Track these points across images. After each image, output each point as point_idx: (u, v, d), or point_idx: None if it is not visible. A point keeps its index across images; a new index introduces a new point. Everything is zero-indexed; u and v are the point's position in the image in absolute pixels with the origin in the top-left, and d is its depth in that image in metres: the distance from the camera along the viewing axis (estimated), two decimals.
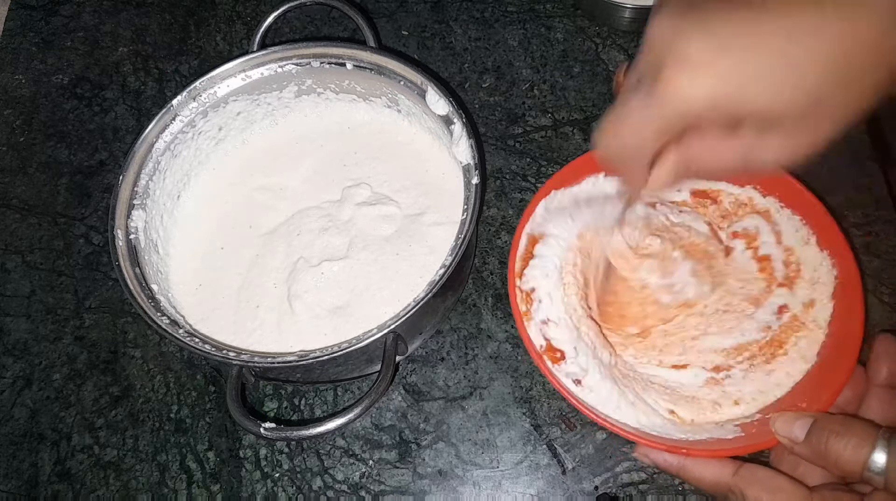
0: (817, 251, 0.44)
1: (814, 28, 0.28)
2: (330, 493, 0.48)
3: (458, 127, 0.47)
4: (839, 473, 0.36)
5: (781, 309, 0.45)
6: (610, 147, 0.35)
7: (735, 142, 0.32)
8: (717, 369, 0.44)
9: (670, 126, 0.31)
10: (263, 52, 0.51)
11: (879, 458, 0.33)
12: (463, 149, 0.47)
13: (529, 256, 0.45)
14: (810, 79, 0.29)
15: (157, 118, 0.49)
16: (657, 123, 0.31)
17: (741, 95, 0.29)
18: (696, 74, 0.29)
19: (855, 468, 0.34)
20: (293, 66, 0.52)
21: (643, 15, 0.58)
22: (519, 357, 0.51)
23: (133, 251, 0.46)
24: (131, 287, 0.44)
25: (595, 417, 0.39)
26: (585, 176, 0.47)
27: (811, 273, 0.45)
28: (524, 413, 0.49)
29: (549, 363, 0.41)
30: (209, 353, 0.42)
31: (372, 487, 0.48)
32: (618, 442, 0.48)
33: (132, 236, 0.47)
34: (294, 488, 0.48)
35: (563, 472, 0.47)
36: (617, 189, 0.46)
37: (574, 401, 0.39)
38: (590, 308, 0.45)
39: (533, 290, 0.43)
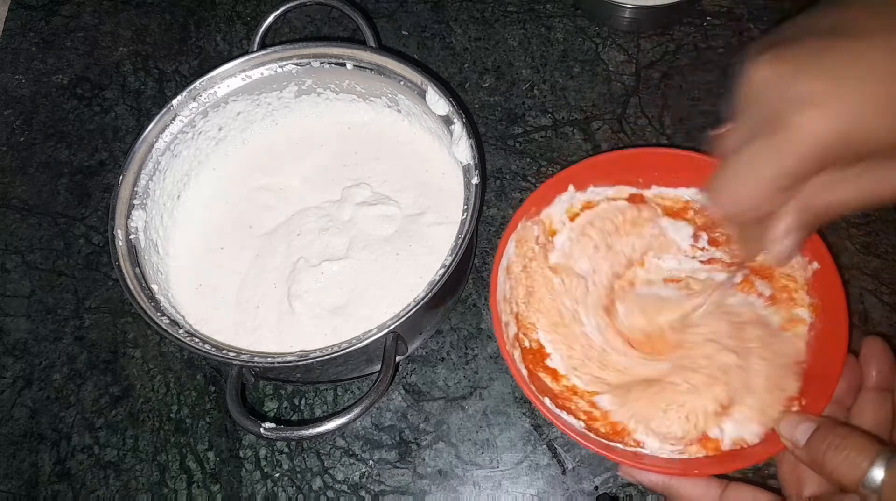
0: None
1: None
2: (330, 493, 0.48)
3: (458, 127, 0.47)
4: (835, 484, 0.35)
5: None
6: (729, 204, 0.34)
7: (862, 178, 0.31)
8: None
9: (802, 171, 0.30)
10: (263, 52, 0.51)
11: (877, 475, 0.32)
12: (463, 149, 0.47)
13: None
14: None
15: (157, 118, 0.49)
16: (787, 169, 0.30)
17: (871, 127, 0.28)
18: (822, 111, 0.28)
19: (850, 482, 0.33)
20: (293, 66, 0.52)
21: (643, 15, 0.58)
22: None
23: (133, 251, 0.46)
24: (131, 287, 0.44)
25: (582, 440, 0.39)
26: (555, 197, 0.47)
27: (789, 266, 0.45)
28: (524, 413, 0.49)
29: (537, 392, 0.42)
30: (209, 353, 0.42)
31: (372, 487, 0.48)
32: None
33: (132, 236, 0.47)
34: (294, 488, 0.48)
35: (563, 472, 0.47)
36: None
37: (553, 418, 0.40)
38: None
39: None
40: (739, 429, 0.40)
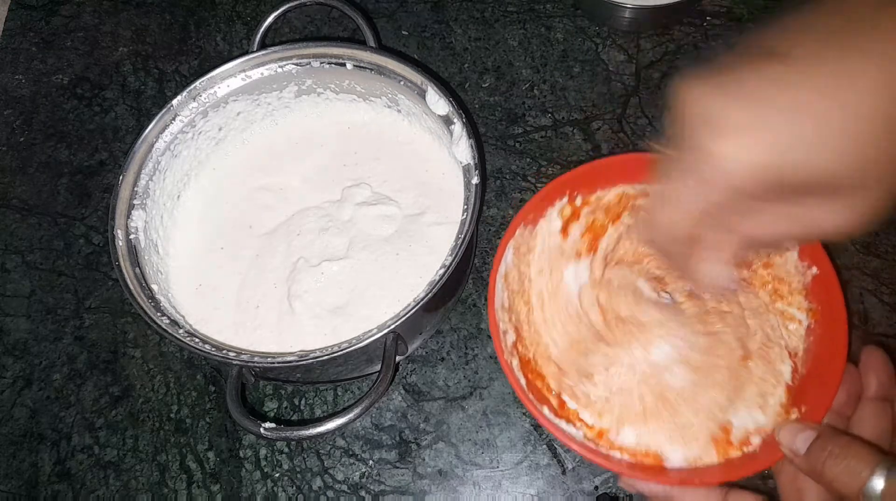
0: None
1: (851, 79, 0.26)
2: (330, 493, 0.48)
3: (458, 127, 0.47)
4: (835, 494, 0.35)
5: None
6: (656, 234, 0.33)
7: (790, 213, 0.30)
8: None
9: (716, 202, 0.29)
10: (263, 52, 0.51)
11: (877, 485, 0.32)
12: (463, 149, 0.47)
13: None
14: (860, 136, 0.26)
15: (157, 118, 0.49)
16: (701, 199, 0.29)
17: (791, 161, 0.27)
18: (738, 141, 0.27)
19: (850, 491, 0.33)
20: (293, 66, 0.52)
21: (643, 15, 0.58)
22: None
23: (133, 251, 0.46)
24: (131, 287, 0.44)
25: (581, 450, 0.39)
26: (554, 201, 0.47)
27: (784, 269, 0.45)
28: (524, 413, 0.49)
29: (533, 399, 0.41)
30: (209, 353, 0.42)
31: (372, 487, 0.48)
32: None
33: (132, 236, 0.47)
34: (294, 488, 0.48)
35: (563, 472, 0.47)
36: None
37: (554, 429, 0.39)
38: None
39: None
40: (747, 420, 0.41)
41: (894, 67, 0.26)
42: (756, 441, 0.40)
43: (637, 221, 0.34)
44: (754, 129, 0.27)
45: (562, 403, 0.43)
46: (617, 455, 0.41)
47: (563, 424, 0.41)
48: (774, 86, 0.27)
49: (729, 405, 0.41)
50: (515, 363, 0.42)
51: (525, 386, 0.41)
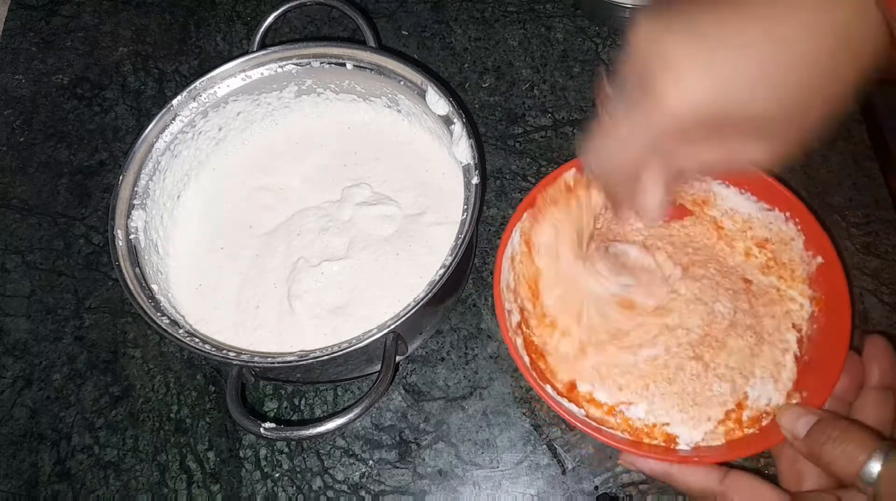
0: (791, 229, 0.46)
1: (795, 26, 0.28)
2: (330, 493, 0.48)
3: (458, 127, 0.47)
4: (833, 477, 0.36)
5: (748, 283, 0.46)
6: (597, 162, 0.35)
7: (720, 145, 0.31)
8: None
9: (660, 136, 0.31)
10: (263, 52, 0.51)
11: (874, 468, 0.33)
12: (463, 149, 0.47)
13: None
14: (797, 78, 0.28)
15: (157, 118, 0.49)
16: (646, 134, 0.31)
17: (730, 101, 0.28)
18: (683, 81, 0.28)
19: (847, 475, 0.34)
20: (293, 66, 0.52)
21: None
22: None
23: (133, 251, 0.46)
24: (131, 287, 0.44)
25: (584, 427, 0.39)
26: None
27: (788, 256, 0.46)
28: (524, 413, 0.49)
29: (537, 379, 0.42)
30: (209, 353, 0.42)
31: (372, 487, 0.48)
32: None
33: (132, 236, 0.47)
34: (294, 488, 0.48)
35: (563, 472, 0.47)
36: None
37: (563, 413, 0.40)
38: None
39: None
40: (761, 393, 0.42)
41: (836, 12, 0.27)
42: (765, 422, 0.41)
43: (586, 154, 0.35)
44: (699, 68, 0.28)
45: (572, 386, 0.43)
46: (620, 434, 0.41)
47: (564, 402, 0.41)
48: (725, 28, 0.28)
49: (748, 374, 0.42)
50: (520, 342, 0.43)
51: (529, 365, 0.42)
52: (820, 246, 0.43)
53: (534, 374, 0.41)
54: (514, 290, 0.45)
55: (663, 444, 0.41)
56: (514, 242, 0.45)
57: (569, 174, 0.46)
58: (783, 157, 0.31)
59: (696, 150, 0.32)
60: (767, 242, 0.47)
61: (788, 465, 0.40)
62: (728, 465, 0.39)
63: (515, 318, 0.44)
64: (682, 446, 0.41)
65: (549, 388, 0.41)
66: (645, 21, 0.30)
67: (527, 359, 0.42)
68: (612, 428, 0.42)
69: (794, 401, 0.41)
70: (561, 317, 0.45)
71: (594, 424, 0.41)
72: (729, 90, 0.28)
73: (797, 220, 0.45)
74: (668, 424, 0.42)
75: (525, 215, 0.45)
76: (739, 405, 0.42)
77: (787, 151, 0.31)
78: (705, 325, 0.44)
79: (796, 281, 0.45)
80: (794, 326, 0.44)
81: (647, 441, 0.41)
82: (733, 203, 0.48)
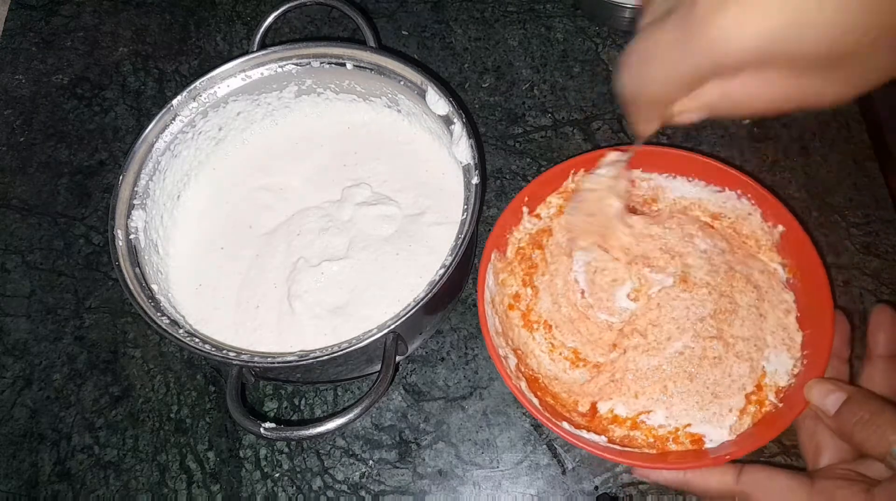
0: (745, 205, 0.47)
1: None
2: (330, 493, 0.48)
3: (458, 127, 0.47)
4: (862, 453, 0.36)
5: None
6: (633, 87, 0.30)
7: (788, 82, 0.26)
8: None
9: (706, 74, 0.26)
10: (263, 52, 0.51)
11: None
12: (463, 149, 0.47)
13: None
14: (878, 4, 0.23)
15: (157, 118, 0.49)
16: (691, 69, 0.26)
17: (799, 38, 0.23)
18: (742, 12, 0.23)
19: (878, 453, 0.34)
20: (293, 66, 0.52)
21: None
22: None
23: (133, 251, 0.46)
24: (131, 287, 0.44)
25: (607, 454, 0.39)
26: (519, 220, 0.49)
27: (749, 229, 0.47)
28: (524, 413, 0.49)
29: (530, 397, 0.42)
30: (209, 353, 0.41)
31: (372, 487, 0.48)
32: None
33: (132, 236, 0.47)
34: (294, 488, 0.48)
35: (563, 472, 0.47)
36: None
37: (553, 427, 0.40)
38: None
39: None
40: (777, 366, 0.42)
41: None
42: (782, 395, 0.42)
43: (620, 72, 0.30)
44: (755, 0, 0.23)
45: (594, 410, 0.43)
46: (647, 451, 0.41)
47: (583, 434, 0.41)
48: None
49: (762, 345, 0.43)
50: (524, 385, 0.43)
51: (539, 405, 0.42)
52: (778, 215, 0.45)
53: (546, 414, 0.41)
54: (503, 334, 0.45)
55: (691, 447, 0.41)
56: (489, 284, 0.45)
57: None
58: (868, 88, 0.26)
59: (759, 87, 0.27)
60: (721, 215, 0.48)
61: (808, 436, 0.40)
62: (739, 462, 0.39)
63: (513, 361, 0.44)
64: (710, 444, 0.41)
65: (565, 424, 0.41)
66: None
67: (535, 400, 0.42)
68: (638, 446, 0.41)
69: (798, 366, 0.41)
70: (568, 337, 0.46)
71: (617, 448, 0.41)
72: (795, 25, 0.23)
73: (749, 195, 0.46)
74: (689, 425, 0.42)
75: (493, 253, 0.46)
76: (759, 387, 0.42)
77: (872, 84, 0.26)
78: (707, 274, 0.44)
79: (763, 250, 0.46)
80: (786, 286, 0.45)
81: (673, 446, 0.41)
82: (682, 192, 0.49)
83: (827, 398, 0.37)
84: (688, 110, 0.29)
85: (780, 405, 0.41)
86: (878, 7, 0.23)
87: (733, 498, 0.38)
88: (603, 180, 0.44)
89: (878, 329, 0.41)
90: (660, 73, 0.27)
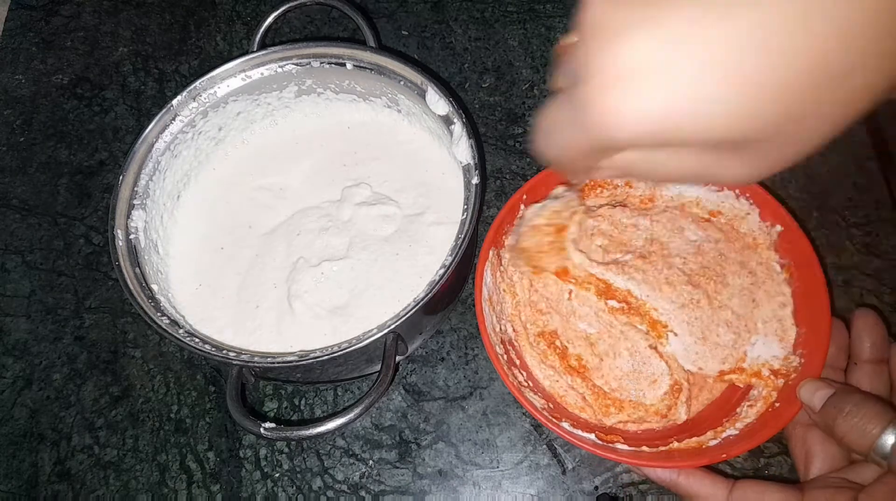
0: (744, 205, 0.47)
1: (799, 20, 0.20)
2: (330, 493, 0.48)
3: (458, 127, 0.47)
4: (846, 449, 0.36)
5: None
6: (546, 153, 0.28)
7: (694, 159, 0.25)
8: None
9: (598, 152, 0.25)
10: (263, 52, 0.51)
11: (888, 441, 0.33)
12: (463, 149, 0.47)
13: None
14: (791, 90, 0.21)
15: (156, 118, 0.49)
16: (587, 144, 0.24)
17: (692, 121, 0.21)
18: (630, 93, 0.21)
19: (861, 448, 0.34)
20: (293, 66, 0.52)
21: None
22: None
23: (133, 251, 0.46)
24: (131, 287, 0.44)
25: (573, 440, 0.40)
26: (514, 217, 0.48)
27: (746, 228, 0.47)
28: (524, 413, 0.49)
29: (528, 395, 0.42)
30: (209, 353, 0.41)
31: (372, 487, 0.48)
32: None
33: (132, 236, 0.47)
34: (294, 488, 0.48)
35: (564, 472, 0.47)
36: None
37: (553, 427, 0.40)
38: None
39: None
40: (764, 352, 0.43)
41: (846, 9, 0.19)
42: (766, 372, 0.42)
43: (534, 132, 0.28)
44: (652, 76, 0.21)
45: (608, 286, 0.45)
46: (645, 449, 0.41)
47: (579, 432, 0.42)
48: (694, 19, 0.20)
49: (751, 328, 0.44)
50: (523, 378, 0.43)
51: (539, 407, 0.42)
52: (776, 215, 0.45)
53: (545, 414, 0.41)
54: (499, 333, 0.45)
55: (650, 329, 0.43)
56: (486, 282, 0.45)
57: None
58: (772, 172, 0.25)
59: (661, 164, 0.25)
60: (720, 212, 0.48)
61: (799, 444, 0.40)
62: (729, 463, 0.39)
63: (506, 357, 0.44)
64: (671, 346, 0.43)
65: (565, 424, 0.42)
66: None
67: (536, 402, 0.42)
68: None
69: (794, 364, 0.42)
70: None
71: (622, 448, 0.41)
72: (689, 107, 0.21)
73: (747, 195, 0.46)
74: (655, 309, 0.43)
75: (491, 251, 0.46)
76: (736, 370, 0.43)
77: (777, 168, 0.25)
78: (692, 251, 0.45)
79: (760, 249, 0.46)
80: (785, 280, 0.45)
81: (637, 323, 0.43)
82: (680, 190, 0.49)
83: (815, 394, 0.38)
84: (606, 169, 0.28)
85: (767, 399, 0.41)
86: (777, 95, 0.21)
87: None
88: (548, 212, 0.43)
89: (863, 334, 0.41)
90: (562, 144, 0.26)
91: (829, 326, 0.40)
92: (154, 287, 0.46)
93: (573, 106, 0.23)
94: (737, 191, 0.46)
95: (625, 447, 0.41)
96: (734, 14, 0.20)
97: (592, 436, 0.42)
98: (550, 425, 0.40)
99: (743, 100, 0.21)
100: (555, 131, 0.26)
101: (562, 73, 0.27)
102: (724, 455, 0.39)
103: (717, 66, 0.20)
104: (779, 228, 0.45)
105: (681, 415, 0.43)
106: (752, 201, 0.46)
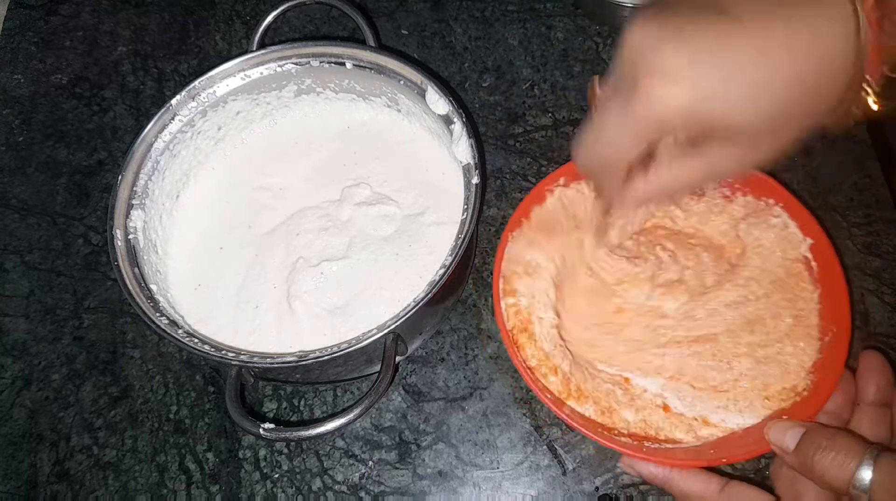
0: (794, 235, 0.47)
1: (785, 43, 0.29)
2: (329, 494, 0.48)
3: (458, 126, 0.47)
4: (826, 488, 0.35)
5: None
6: (588, 157, 0.36)
7: (697, 160, 0.33)
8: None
9: (646, 136, 0.32)
10: (263, 51, 0.51)
11: (865, 475, 0.32)
12: (463, 148, 0.47)
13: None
14: (780, 93, 0.30)
15: (156, 118, 0.49)
16: (633, 133, 0.32)
17: (713, 108, 0.30)
18: (670, 85, 0.30)
19: (840, 484, 0.33)
20: (293, 65, 0.52)
21: None
22: None
23: (132, 251, 0.46)
24: (130, 287, 0.44)
25: (582, 429, 0.39)
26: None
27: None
28: (524, 414, 0.49)
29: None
30: (208, 353, 0.41)
31: (372, 488, 0.48)
32: None
33: (131, 236, 0.47)
34: (293, 489, 0.48)
35: (564, 473, 0.47)
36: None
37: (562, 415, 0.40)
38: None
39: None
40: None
41: (825, 38, 0.29)
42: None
43: (576, 149, 0.37)
44: (686, 75, 0.30)
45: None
46: (624, 440, 0.41)
47: (573, 404, 0.42)
48: (716, 38, 0.30)
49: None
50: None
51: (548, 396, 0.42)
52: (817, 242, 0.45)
53: (534, 376, 0.41)
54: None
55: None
56: (510, 253, 0.46)
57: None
58: (759, 164, 0.33)
59: (676, 171, 0.34)
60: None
61: (787, 486, 0.39)
62: (732, 466, 0.39)
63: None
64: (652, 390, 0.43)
65: (571, 402, 0.41)
66: (639, 23, 0.31)
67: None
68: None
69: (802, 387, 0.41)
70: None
71: (625, 441, 0.41)
72: (710, 98, 0.30)
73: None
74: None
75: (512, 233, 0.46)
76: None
77: (764, 160, 0.33)
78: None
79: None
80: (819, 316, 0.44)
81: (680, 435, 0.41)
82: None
83: (786, 435, 0.36)
84: (640, 191, 0.36)
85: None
86: (770, 102, 0.30)
87: None
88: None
89: (868, 376, 0.40)
90: (609, 139, 0.34)
91: (834, 385, 0.40)
92: (153, 287, 0.46)
93: (622, 101, 0.32)
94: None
95: (628, 440, 0.41)
96: (740, 37, 0.30)
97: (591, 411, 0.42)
98: (555, 409, 0.40)
99: (748, 94, 0.30)
100: (604, 129, 0.34)
101: (597, 97, 0.36)
102: (725, 459, 0.39)
103: (733, 70, 0.30)
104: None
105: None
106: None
